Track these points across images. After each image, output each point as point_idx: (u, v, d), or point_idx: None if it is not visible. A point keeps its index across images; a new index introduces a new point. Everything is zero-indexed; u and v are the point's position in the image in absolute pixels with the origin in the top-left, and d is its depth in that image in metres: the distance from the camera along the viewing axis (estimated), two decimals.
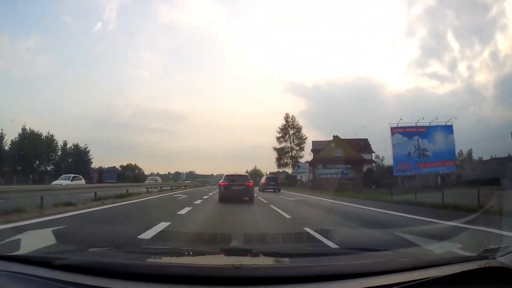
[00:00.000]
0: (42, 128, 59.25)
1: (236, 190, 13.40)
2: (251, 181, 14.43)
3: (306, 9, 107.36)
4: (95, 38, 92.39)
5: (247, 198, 13.59)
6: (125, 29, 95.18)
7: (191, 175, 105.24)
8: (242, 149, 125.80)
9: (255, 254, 2.59)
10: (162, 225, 6.13)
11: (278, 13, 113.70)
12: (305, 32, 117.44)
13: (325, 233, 5.04)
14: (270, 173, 48.71)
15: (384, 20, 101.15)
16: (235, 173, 15.40)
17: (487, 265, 1.76)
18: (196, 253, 2.59)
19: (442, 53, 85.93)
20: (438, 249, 3.24)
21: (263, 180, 28.55)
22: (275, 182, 26.76)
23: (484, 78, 62.24)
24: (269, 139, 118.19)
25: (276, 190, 25.43)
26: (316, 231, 5.35)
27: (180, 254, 2.63)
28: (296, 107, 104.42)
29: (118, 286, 1.53)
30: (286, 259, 2.40)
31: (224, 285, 1.54)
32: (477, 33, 68.09)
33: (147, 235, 5.06)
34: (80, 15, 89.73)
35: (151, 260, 2.21)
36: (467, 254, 1.99)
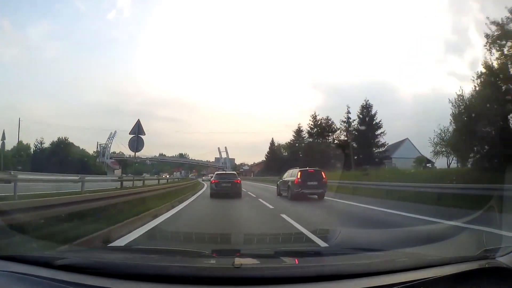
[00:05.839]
0: None
1: (225, 186, 15.36)
2: (238, 178, 16.65)
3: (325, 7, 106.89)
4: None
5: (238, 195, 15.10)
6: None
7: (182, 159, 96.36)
8: (249, 140, 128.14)
9: (255, 255, 2.58)
10: None
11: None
12: (311, 27, 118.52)
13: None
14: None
15: (402, 13, 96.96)
16: (224, 172, 20.62)
17: (487, 265, 1.76)
18: (196, 253, 2.59)
19: (463, 50, 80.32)
20: (438, 249, 3.23)
21: (295, 176, 14.36)
22: (319, 182, 13.92)
23: None
24: (280, 134, 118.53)
25: (318, 196, 13.90)
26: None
27: (180, 254, 2.63)
28: (312, 102, 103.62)
29: (118, 286, 1.53)
30: (286, 259, 2.39)
31: (224, 285, 1.54)
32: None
33: None
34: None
35: (151, 260, 2.21)
36: (467, 254, 1.99)
